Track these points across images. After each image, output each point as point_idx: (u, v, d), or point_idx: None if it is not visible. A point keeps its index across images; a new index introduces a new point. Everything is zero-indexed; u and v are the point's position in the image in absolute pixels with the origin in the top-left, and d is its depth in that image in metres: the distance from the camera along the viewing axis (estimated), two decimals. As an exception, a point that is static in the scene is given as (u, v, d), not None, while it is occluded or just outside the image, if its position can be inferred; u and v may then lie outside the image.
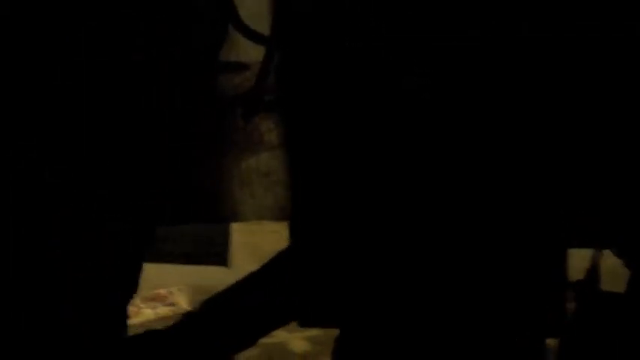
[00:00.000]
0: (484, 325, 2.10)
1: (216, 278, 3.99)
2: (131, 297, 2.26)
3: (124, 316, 2.26)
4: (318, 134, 2.08)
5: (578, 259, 2.21)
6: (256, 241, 4.14)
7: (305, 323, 2.55)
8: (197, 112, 2.11)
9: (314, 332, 3.45)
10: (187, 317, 2.29)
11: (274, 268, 2.23)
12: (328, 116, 2.05)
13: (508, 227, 2.04)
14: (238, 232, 3.78)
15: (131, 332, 2.41)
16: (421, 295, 2.09)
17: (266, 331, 2.26)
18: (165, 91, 2.07)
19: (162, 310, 4.09)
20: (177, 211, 2.19)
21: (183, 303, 4.14)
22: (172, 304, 4.12)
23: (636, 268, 2.19)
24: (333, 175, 2.09)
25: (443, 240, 2.05)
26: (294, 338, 3.72)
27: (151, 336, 2.30)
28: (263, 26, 2.07)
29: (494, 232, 2.04)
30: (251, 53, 2.09)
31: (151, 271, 3.85)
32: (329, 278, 2.30)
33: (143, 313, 4.06)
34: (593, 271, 2.38)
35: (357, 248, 2.14)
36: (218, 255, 3.46)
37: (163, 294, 4.20)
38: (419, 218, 2.05)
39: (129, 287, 2.23)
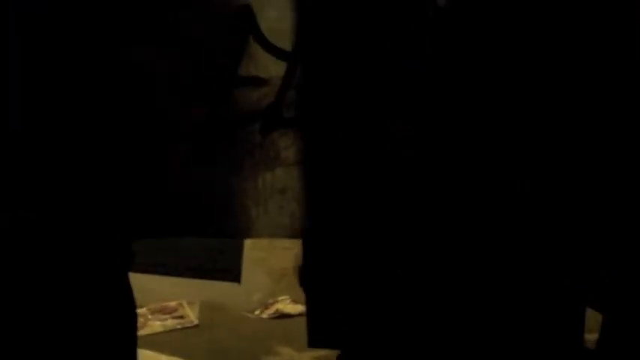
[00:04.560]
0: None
1: (225, 293, 4.00)
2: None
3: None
4: (336, 152, 2.06)
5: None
6: (267, 258, 4.13)
7: (314, 344, 2.53)
8: (215, 126, 2.10)
9: (322, 352, 3.43)
10: None
11: None
12: (348, 134, 2.03)
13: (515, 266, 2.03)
14: (249, 247, 3.77)
15: (139, 344, 2.40)
16: (427, 323, 2.07)
17: None
18: (184, 103, 2.06)
19: (171, 323, 4.07)
20: (190, 224, 2.18)
21: (192, 316, 4.12)
22: (181, 317, 4.11)
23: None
24: (350, 194, 2.07)
25: (452, 274, 2.04)
26: (302, 357, 3.70)
27: None
28: (284, 42, 2.06)
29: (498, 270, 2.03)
30: (271, 68, 2.07)
31: (160, 284, 3.87)
32: (340, 299, 2.28)
33: (151, 325, 4.04)
34: None
35: (370, 269, 2.12)
36: (228, 270, 3.43)
37: (172, 306, 4.18)
38: (434, 245, 2.03)
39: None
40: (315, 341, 2.57)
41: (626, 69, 1.95)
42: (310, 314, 2.57)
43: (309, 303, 2.54)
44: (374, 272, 2.09)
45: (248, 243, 3.43)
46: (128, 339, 2.25)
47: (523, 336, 2.09)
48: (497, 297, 2.05)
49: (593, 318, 2.19)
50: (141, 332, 3.93)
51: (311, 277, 2.36)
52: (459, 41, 1.94)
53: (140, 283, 2.89)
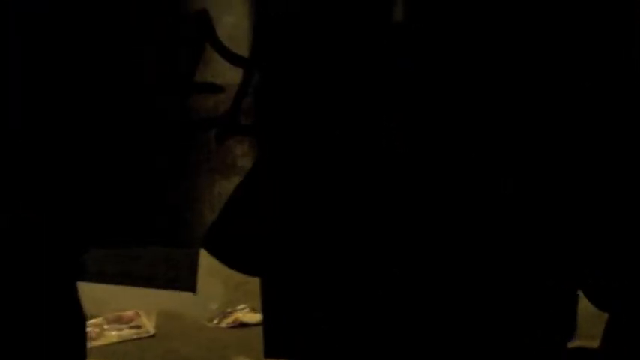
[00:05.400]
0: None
1: (182, 303, 3.97)
2: None
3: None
4: (293, 160, 2.05)
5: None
6: (224, 266, 4.10)
7: (270, 354, 2.52)
8: (170, 133, 2.08)
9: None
10: None
11: None
12: (306, 142, 2.02)
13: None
14: (205, 256, 3.76)
15: (94, 354, 2.37)
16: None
17: None
18: (137, 110, 2.04)
19: (127, 332, 4.04)
20: (145, 232, 2.16)
21: (149, 326, 4.09)
22: (138, 327, 4.07)
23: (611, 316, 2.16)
24: (308, 202, 2.06)
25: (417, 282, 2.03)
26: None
27: None
28: (241, 49, 2.04)
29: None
30: (227, 75, 2.06)
31: (116, 293, 3.84)
32: (298, 308, 2.27)
33: (107, 335, 4.00)
34: None
35: (329, 277, 2.11)
36: (184, 279, 3.41)
37: (129, 316, 4.14)
38: (425, 244, 2.02)
39: None
40: (271, 351, 2.55)
41: (614, 68, 1.95)
42: (266, 323, 2.56)
43: (265, 312, 2.53)
44: (344, 279, 2.07)
45: (204, 251, 3.41)
46: (77, 350, 2.22)
47: (507, 336, 2.08)
48: (483, 296, 2.04)
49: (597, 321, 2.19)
50: (97, 342, 3.91)
51: (269, 288, 2.34)
52: (446, 40, 1.94)
53: (96, 292, 2.86)
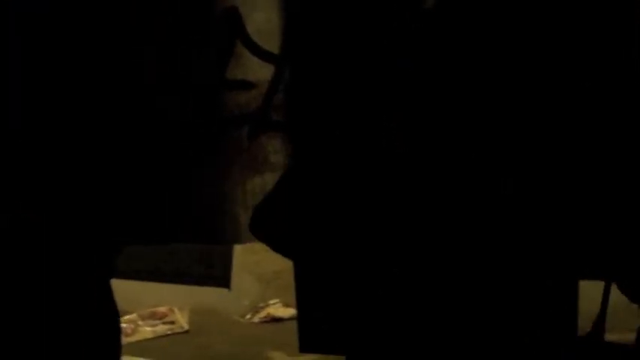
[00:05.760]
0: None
1: (215, 298, 3.97)
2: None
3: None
4: (327, 155, 2.04)
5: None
6: (256, 262, 4.10)
7: (305, 348, 2.52)
8: (202, 131, 2.08)
9: (314, 356, 3.41)
10: None
11: None
12: (338, 138, 2.01)
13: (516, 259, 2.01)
14: (238, 251, 3.77)
15: (129, 350, 2.37)
16: (424, 323, 2.06)
17: None
18: (172, 107, 2.04)
19: (161, 328, 4.05)
20: (179, 230, 2.16)
21: (183, 322, 4.10)
22: (172, 323, 4.08)
23: None
24: (339, 199, 2.05)
25: (443, 271, 2.02)
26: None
27: None
28: (271, 44, 2.03)
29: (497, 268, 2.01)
30: (258, 72, 2.05)
31: (150, 290, 3.85)
32: (331, 304, 2.27)
33: (141, 331, 4.02)
34: (600, 322, 2.34)
35: (361, 274, 2.10)
36: (218, 276, 3.42)
37: (163, 312, 4.16)
38: (427, 243, 2.01)
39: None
40: (306, 345, 2.55)
41: (614, 67, 1.94)
42: (301, 318, 2.56)
43: (300, 307, 2.53)
44: (369, 273, 2.07)
45: (237, 246, 3.42)
46: (111, 347, 2.22)
47: (506, 334, 2.08)
48: (483, 294, 2.03)
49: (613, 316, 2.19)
50: (131, 338, 3.92)
51: (303, 282, 2.35)
52: (446, 40, 1.93)
53: (130, 289, 2.87)
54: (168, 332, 4.05)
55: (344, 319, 2.19)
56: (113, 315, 2.21)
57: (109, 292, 2.20)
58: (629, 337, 2.21)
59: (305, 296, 2.46)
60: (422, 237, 1.99)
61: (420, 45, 1.93)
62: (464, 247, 1.99)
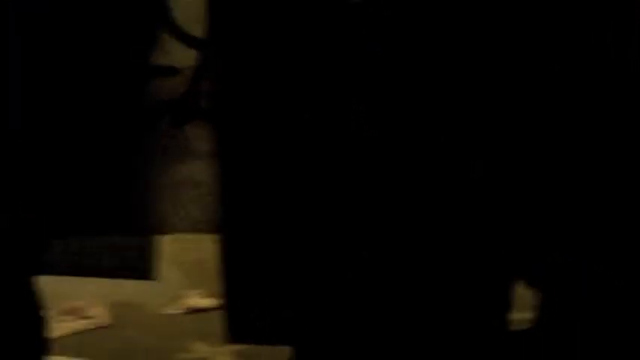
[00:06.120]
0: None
1: (136, 291, 3.95)
2: None
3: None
4: (252, 144, 2.03)
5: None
6: (177, 252, 4.09)
7: (234, 339, 2.49)
8: (125, 118, 2.05)
9: (239, 347, 3.39)
10: None
11: None
12: (265, 125, 2.00)
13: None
14: (157, 242, 3.77)
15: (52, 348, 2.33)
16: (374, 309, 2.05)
17: None
18: (89, 94, 2.01)
19: (81, 324, 4.02)
20: (101, 222, 2.13)
21: (104, 316, 4.07)
22: (92, 318, 4.05)
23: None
24: (267, 186, 2.03)
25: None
26: (218, 353, 3.66)
27: None
28: (197, 29, 2.01)
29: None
30: (182, 57, 2.03)
31: (68, 285, 3.81)
32: (261, 292, 2.25)
33: (60, 327, 3.96)
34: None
35: (293, 260, 2.09)
36: (137, 268, 3.39)
37: (82, 306, 4.12)
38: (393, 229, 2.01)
39: None
40: (235, 336, 2.52)
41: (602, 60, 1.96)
42: (228, 307, 2.53)
43: (228, 297, 2.50)
44: (336, 258, 2.06)
45: (157, 237, 3.40)
46: (35, 345, 2.19)
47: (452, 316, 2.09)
48: (438, 281, 2.04)
49: (523, 296, 2.21)
50: (51, 335, 3.86)
51: (229, 271, 2.32)
52: (417, 22, 1.93)
53: (48, 285, 2.82)
54: (89, 327, 4.01)
55: (274, 307, 2.17)
56: (39, 312, 2.18)
57: (31, 288, 2.16)
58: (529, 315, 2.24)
59: (233, 284, 2.43)
60: (389, 221, 1.99)
61: (390, 29, 1.93)
62: (431, 231, 1.99)
